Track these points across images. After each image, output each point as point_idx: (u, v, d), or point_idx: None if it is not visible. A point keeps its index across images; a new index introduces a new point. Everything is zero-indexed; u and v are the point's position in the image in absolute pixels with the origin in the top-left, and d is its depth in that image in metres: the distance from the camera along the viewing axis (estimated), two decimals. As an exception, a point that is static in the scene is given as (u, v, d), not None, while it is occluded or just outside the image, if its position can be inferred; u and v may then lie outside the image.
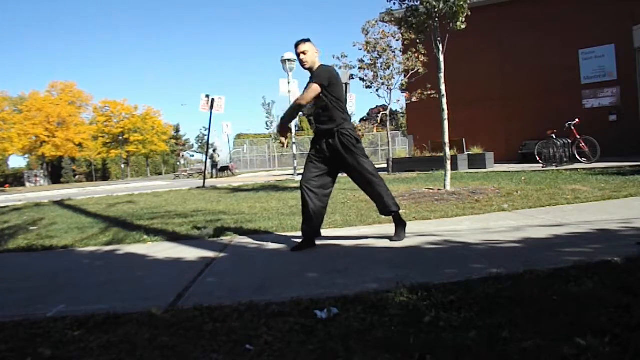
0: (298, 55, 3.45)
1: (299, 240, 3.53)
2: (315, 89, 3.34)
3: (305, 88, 3.42)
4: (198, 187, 11.97)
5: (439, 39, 6.44)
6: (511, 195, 5.72)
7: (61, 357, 1.73)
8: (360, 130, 17.49)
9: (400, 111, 33.05)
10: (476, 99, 14.65)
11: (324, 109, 3.43)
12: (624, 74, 13.02)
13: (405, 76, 12.21)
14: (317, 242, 3.54)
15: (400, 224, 3.57)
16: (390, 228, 4.15)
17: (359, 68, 12.08)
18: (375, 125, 32.70)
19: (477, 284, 2.23)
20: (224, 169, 25.64)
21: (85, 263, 3.55)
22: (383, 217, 4.67)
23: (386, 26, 11.81)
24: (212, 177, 23.73)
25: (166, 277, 2.92)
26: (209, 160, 27.37)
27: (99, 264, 3.50)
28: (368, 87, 12.15)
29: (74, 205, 8.44)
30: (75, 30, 78.11)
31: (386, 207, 3.48)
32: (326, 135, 3.43)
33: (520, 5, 14.32)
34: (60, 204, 9.11)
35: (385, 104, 12.81)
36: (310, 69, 3.45)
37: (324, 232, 3.73)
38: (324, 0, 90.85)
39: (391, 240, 3.49)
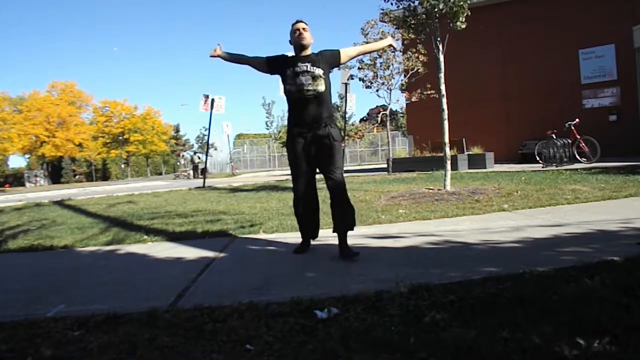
0: (298, 29, 3.22)
1: (299, 240, 3.52)
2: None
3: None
4: (198, 187, 11.96)
5: (438, 39, 6.44)
6: (511, 195, 5.72)
7: (61, 357, 1.72)
8: (360, 130, 17.51)
9: (400, 111, 33.02)
10: (476, 99, 14.65)
11: (322, 97, 3.21)
12: (624, 74, 13.01)
13: (405, 76, 12.21)
14: (317, 242, 3.54)
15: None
16: (390, 228, 4.16)
17: (359, 68, 12.09)
18: (375, 125, 32.72)
19: (477, 284, 2.23)
20: (203, 170, 26.64)
21: (85, 263, 3.55)
22: (383, 217, 4.70)
23: (385, 26, 11.81)
24: (193, 177, 25.39)
25: (166, 277, 2.92)
26: (189, 163, 28.54)
27: (99, 264, 3.50)
28: (368, 87, 12.15)
29: (74, 205, 8.44)
30: (75, 30, 78.12)
31: (353, 221, 3.25)
32: (317, 127, 3.19)
33: (520, 5, 14.32)
34: (60, 204, 9.11)
35: (385, 104, 12.83)
36: (306, 47, 3.25)
37: (324, 232, 3.72)
38: (323, 1, 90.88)
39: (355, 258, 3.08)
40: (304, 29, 3.25)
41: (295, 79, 3.18)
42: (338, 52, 3.39)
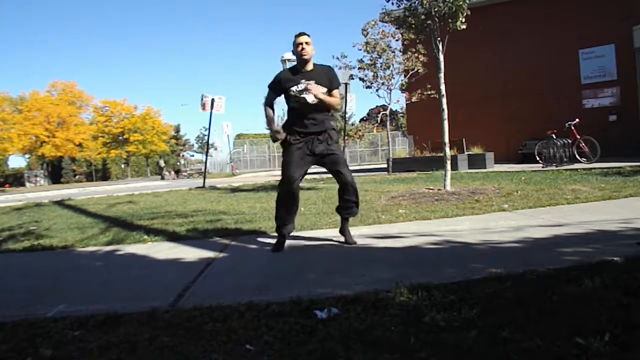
0: (300, 44, 3.31)
1: (299, 241, 3.53)
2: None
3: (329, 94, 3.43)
4: (198, 187, 11.96)
5: (438, 39, 6.44)
6: (511, 195, 5.71)
7: (61, 357, 1.72)
8: (360, 130, 17.52)
9: (400, 111, 33.01)
10: (476, 99, 14.63)
11: (322, 109, 3.40)
12: (624, 74, 13.00)
13: (405, 76, 12.21)
14: (318, 242, 3.54)
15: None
16: (390, 228, 4.16)
17: (359, 68, 12.09)
18: (375, 125, 32.69)
19: (477, 284, 2.22)
20: (178, 171, 29.64)
21: (85, 263, 3.55)
22: (383, 217, 4.70)
23: (386, 26, 11.81)
24: (161, 179, 27.44)
25: (166, 277, 2.92)
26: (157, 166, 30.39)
27: (99, 264, 3.50)
28: (368, 87, 12.16)
29: (74, 205, 8.43)
30: (75, 30, 78.13)
31: (357, 205, 3.53)
32: (318, 133, 3.41)
33: (520, 5, 14.30)
34: (60, 204, 9.11)
35: (385, 104, 12.84)
36: (307, 61, 3.38)
37: (325, 232, 3.73)
38: (323, 1, 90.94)
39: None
40: (307, 43, 3.33)
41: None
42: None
